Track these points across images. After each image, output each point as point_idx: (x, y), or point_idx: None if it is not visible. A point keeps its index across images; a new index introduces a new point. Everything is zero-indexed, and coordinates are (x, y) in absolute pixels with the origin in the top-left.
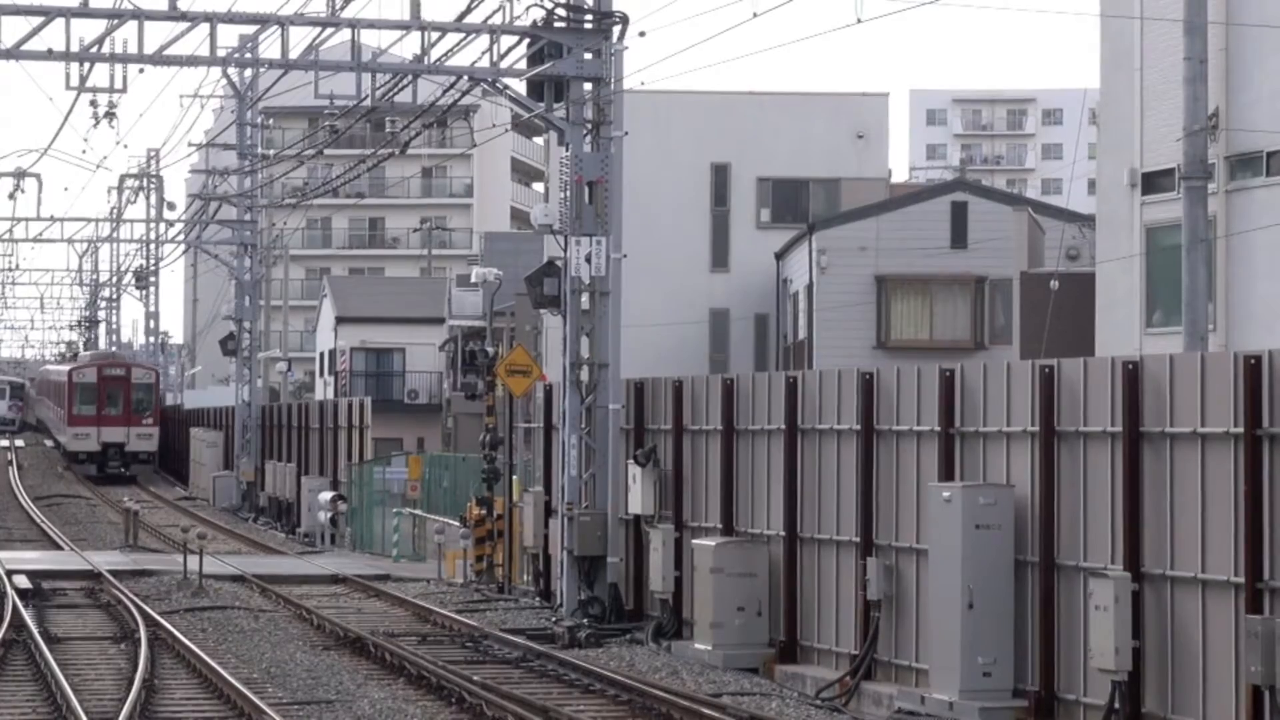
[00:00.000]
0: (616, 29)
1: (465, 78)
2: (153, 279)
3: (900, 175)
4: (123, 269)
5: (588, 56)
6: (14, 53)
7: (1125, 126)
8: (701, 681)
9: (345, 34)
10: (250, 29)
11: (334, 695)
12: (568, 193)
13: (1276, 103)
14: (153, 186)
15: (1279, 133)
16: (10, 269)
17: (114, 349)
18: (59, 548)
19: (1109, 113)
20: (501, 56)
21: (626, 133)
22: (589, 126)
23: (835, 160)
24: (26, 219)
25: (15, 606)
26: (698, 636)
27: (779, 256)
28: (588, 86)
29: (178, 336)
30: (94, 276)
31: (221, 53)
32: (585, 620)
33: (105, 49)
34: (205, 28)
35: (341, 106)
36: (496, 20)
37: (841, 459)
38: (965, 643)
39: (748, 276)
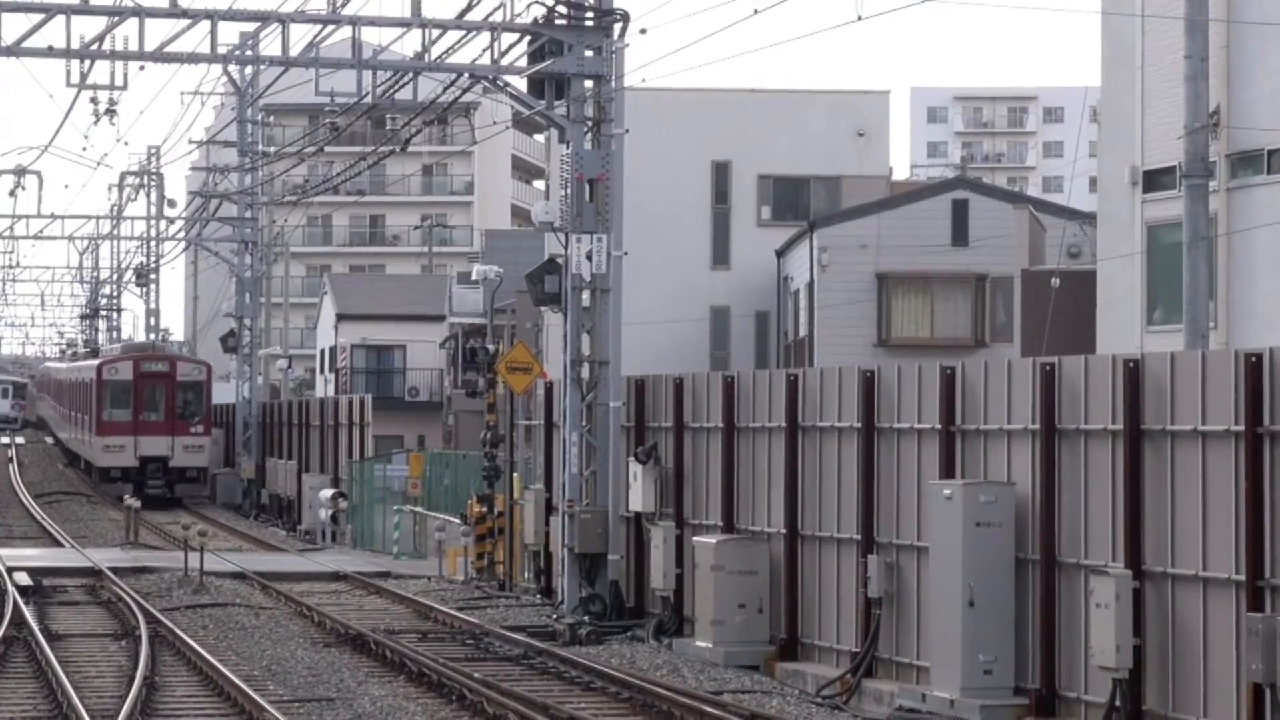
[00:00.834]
0: (617, 26)
1: (466, 75)
2: (153, 276)
3: (901, 173)
4: (123, 266)
5: (588, 54)
6: (14, 50)
7: (1126, 124)
8: (702, 679)
9: (346, 31)
10: (251, 26)
11: (335, 692)
12: (568, 190)
13: (1278, 101)
14: (153, 184)
15: None
16: (11, 266)
17: (154, 338)
18: (60, 545)
19: (1110, 110)
20: (502, 54)
21: (627, 130)
22: (590, 124)
23: (836, 158)
24: (27, 216)
25: (16, 603)
26: (699, 634)
27: (780, 254)
28: (588, 84)
29: (178, 334)
30: (94, 274)
31: (222, 50)
32: (586, 618)
33: (106, 46)
34: (206, 25)
35: (342, 104)
36: (497, 17)
37: (842, 457)
38: (966, 640)
39: (748, 274)
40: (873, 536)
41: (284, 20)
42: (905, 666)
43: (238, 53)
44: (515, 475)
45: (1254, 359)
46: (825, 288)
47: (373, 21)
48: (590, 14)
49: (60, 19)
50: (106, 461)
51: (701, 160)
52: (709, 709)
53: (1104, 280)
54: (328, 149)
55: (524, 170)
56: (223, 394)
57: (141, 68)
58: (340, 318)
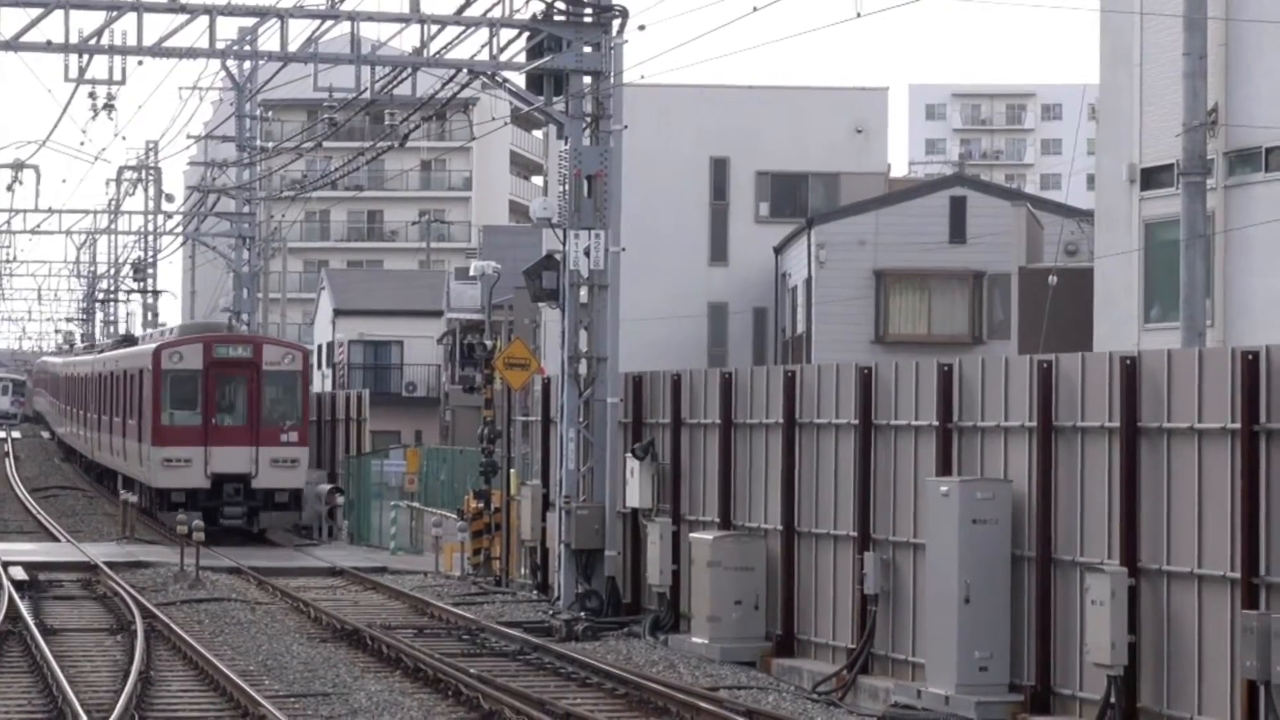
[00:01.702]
0: (616, 23)
1: (465, 71)
2: (151, 271)
3: (899, 170)
4: (121, 261)
5: (587, 50)
6: (13, 44)
7: (1124, 122)
8: (698, 675)
9: (345, 27)
10: (249, 21)
11: (330, 688)
12: (567, 186)
13: (1276, 98)
14: (151, 179)
15: (1278, 128)
16: (8, 261)
17: (228, 313)
18: (55, 539)
19: (1108, 108)
20: (501, 50)
21: (626, 126)
22: (588, 120)
23: (834, 155)
24: (24, 210)
25: (11, 598)
26: (695, 630)
27: (778, 251)
28: (587, 80)
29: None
30: (92, 269)
31: (221, 45)
32: (582, 613)
33: (104, 41)
34: (204, 20)
35: (340, 99)
36: (496, 13)
37: (839, 453)
38: (962, 637)
39: (746, 270)
40: (869, 533)
41: (282, 15)
42: (901, 663)
43: (236, 48)
44: (512, 471)
45: (1251, 357)
46: (823, 284)
47: (371, 17)
48: (589, 10)
49: (59, 13)
50: (167, 481)
51: (700, 156)
52: (705, 705)
53: (1101, 278)
54: (326, 144)
55: (522, 166)
56: None
57: (140, 63)
58: (338, 313)
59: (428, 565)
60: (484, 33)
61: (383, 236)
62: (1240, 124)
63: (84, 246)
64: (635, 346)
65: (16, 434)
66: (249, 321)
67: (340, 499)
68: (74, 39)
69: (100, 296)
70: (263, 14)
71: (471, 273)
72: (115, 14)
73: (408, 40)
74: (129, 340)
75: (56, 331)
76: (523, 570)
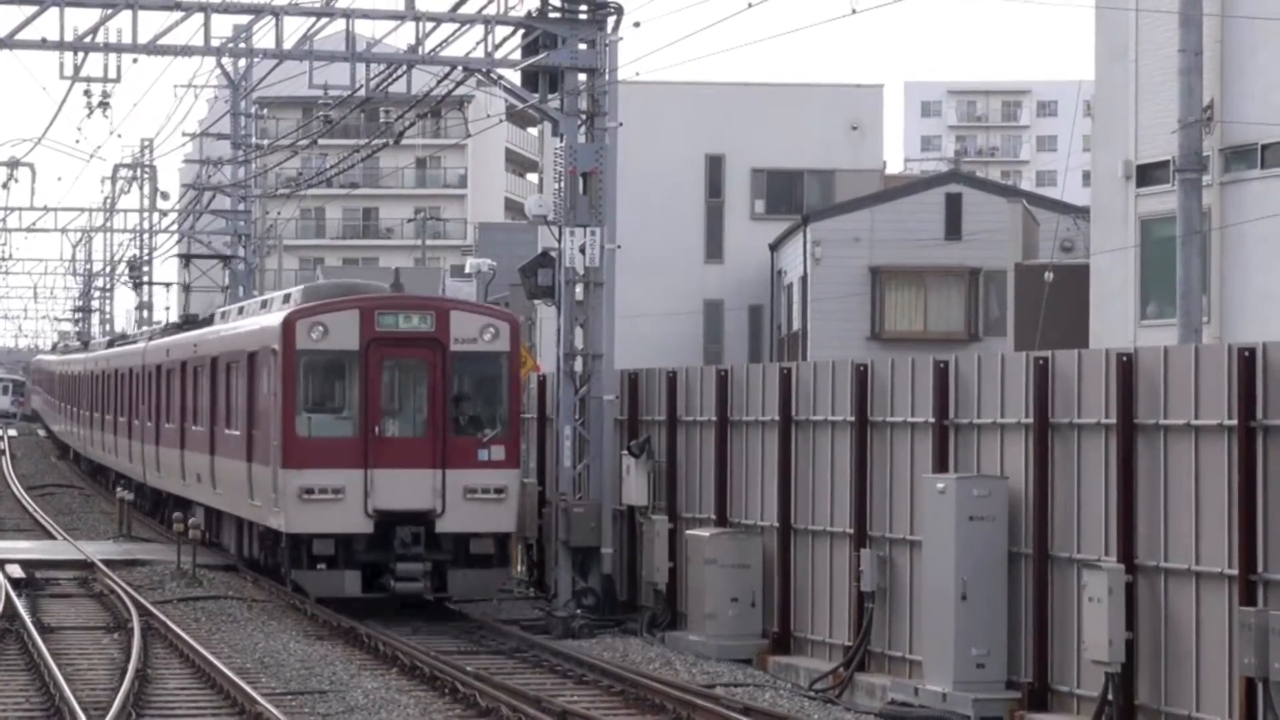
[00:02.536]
0: (611, 20)
1: (460, 68)
2: (146, 268)
3: (895, 167)
4: (116, 259)
5: (582, 47)
6: (8, 42)
7: (1120, 118)
8: (695, 672)
9: (340, 24)
10: (244, 19)
11: (327, 685)
12: (562, 184)
13: (1271, 95)
14: (146, 176)
15: (1274, 125)
16: (3, 259)
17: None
18: (52, 537)
19: (1104, 105)
20: (496, 47)
21: (621, 124)
22: (583, 117)
23: (830, 152)
24: (19, 208)
25: (8, 596)
26: (691, 627)
27: (773, 248)
28: (582, 77)
29: None
30: (87, 266)
31: (216, 43)
32: (579, 611)
33: (99, 38)
34: (199, 17)
35: (336, 97)
36: (491, 11)
37: (835, 450)
38: (959, 634)
39: (742, 268)
40: (866, 530)
41: (278, 13)
42: (898, 660)
43: (231, 45)
44: None
45: (1247, 353)
46: (818, 281)
47: (366, 14)
48: (584, 7)
49: (54, 11)
50: (305, 524)
51: (695, 154)
52: (701, 702)
53: (1097, 274)
54: (321, 142)
55: (517, 164)
56: None
57: (135, 60)
58: None
59: None
60: (479, 30)
61: (378, 234)
62: (1236, 120)
63: (79, 244)
64: (631, 344)
65: (13, 431)
66: None
67: None
68: (69, 36)
69: (131, 279)
70: (258, 11)
71: (467, 270)
72: (110, 11)
73: (403, 37)
74: (184, 325)
75: (55, 329)
76: (519, 568)
